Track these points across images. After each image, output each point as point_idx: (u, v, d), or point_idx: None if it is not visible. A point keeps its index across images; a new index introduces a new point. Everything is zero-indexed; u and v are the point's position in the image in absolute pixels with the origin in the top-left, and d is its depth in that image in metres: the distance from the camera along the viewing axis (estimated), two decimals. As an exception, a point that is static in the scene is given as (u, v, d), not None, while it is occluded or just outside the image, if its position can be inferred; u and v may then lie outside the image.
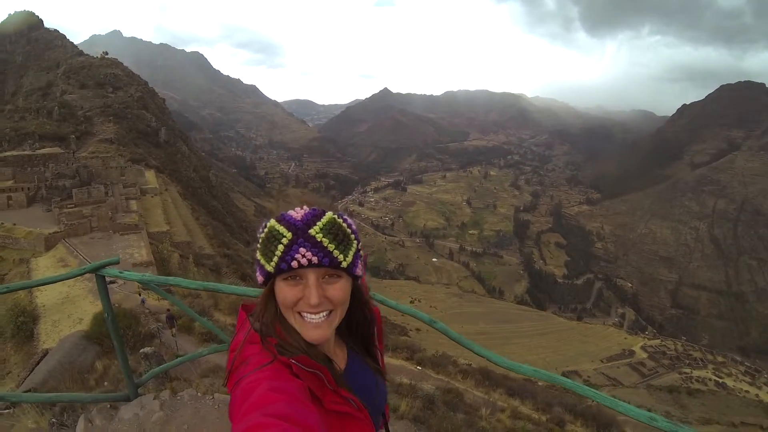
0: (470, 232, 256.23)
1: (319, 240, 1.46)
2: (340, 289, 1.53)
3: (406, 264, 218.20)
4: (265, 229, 1.51)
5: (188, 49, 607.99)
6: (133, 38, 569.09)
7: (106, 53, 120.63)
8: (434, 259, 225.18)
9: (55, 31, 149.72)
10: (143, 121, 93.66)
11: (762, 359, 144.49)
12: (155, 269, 34.85)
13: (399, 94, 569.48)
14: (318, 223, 1.48)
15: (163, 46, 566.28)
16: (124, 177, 60.47)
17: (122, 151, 74.26)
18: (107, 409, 5.71)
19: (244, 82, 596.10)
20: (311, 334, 1.51)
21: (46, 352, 14.30)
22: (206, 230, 62.49)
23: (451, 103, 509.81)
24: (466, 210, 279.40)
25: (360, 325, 1.80)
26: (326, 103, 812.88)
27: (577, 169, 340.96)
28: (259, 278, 1.56)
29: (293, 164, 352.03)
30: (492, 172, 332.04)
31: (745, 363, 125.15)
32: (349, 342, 1.81)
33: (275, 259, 1.46)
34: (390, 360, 18.45)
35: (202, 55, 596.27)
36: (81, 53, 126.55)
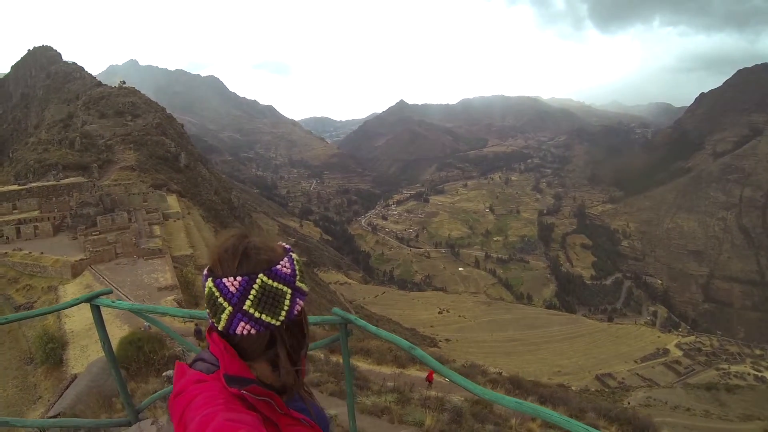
0: (495, 239, 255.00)
1: (304, 289, 1.68)
2: None
3: (432, 275, 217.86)
4: (254, 287, 1.55)
5: (203, 74, 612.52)
6: (149, 66, 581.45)
7: (124, 82, 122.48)
8: (460, 269, 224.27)
9: (74, 63, 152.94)
10: (163, 147, 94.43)
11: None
12: (180, 292, 35.10)
13: (415, 105, 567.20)
14: (298, 270, 1.66)
15: (179, 72, 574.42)
16: (147, 203, 60.89)
17: (144, 177, 75.18)
18: (109, 433, 5.66)
19: (261, 103, 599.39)
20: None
21: (74, 377, 14.50)
22: (230, 251, 62.49)
23: (467, 110, 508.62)
24: (490, 217, 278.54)
25: None
26: (343, 119, 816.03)
27: (597, 167, 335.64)
28: (251, 330, 1.55)
29: (314, 182, 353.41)
30: (513, 177, 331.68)
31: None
32: None
33: (283, 314, 1.59)
34: (418, 373, 18.37)
35: (217, 78, 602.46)
36: (99, 84, 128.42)
